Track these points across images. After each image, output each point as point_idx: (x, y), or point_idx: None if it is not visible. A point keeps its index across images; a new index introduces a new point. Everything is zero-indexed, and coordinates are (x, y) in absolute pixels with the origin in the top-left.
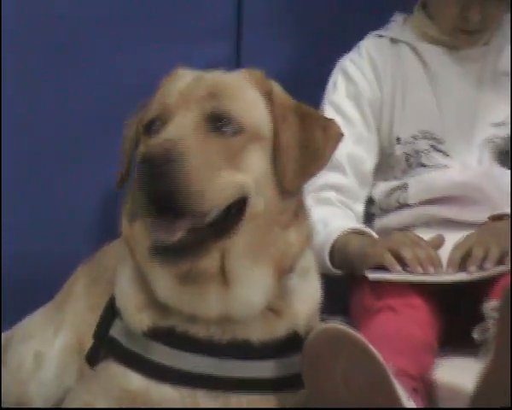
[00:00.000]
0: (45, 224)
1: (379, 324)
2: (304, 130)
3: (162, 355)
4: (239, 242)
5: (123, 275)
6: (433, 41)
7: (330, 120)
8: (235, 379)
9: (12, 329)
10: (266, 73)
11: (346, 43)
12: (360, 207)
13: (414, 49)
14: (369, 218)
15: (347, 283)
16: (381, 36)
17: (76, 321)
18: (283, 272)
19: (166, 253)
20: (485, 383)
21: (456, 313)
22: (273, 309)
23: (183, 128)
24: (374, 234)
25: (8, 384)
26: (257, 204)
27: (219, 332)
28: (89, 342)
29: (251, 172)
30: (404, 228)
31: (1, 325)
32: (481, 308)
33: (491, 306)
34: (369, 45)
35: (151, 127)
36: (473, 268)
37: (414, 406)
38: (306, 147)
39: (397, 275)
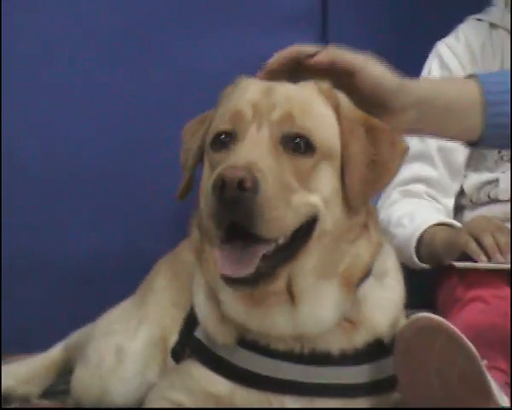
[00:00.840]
0: (120, 218)
1: (470, 315)
2: (371, 144)
3: (247, 361)
4: (307, 262)
5: (199, 289)
6: None
7: (397, 134)
8: (319, 385)
9: (92, 323)
10: None
11: (438, 27)
12: (450, 201)
13: None
14: (459, 209)
15: (435, 275)
16: (480, 20)
17: (158, 315)
18: (353, 283)
19: (238, 283)
20: None
21: None
22: (349, 320)
23: (258, 149)
24: (460, 226)
25: (88, 381)
26: (326, 224)
27: (298, 346)
28: (171, 337)
29: (321, 192)
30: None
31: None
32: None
33: None
34: (468, 30)
35: (218, 141)
36: None
37: (507, 401)
38: (374, 162)
39: (483, 264)
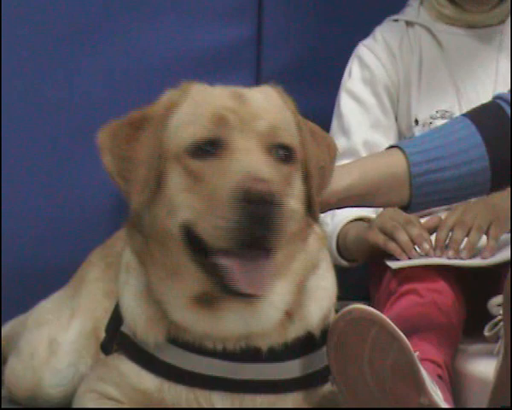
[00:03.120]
0: (57, 210)
1: (403, 308)
2: (317, 148)
3: (176, 358)
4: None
5: (127, 289)
6: (449, 21)
7: (329, 135)
8: (247, 381)
9: (25, 315)
10: (288, 55)
11: (367, 24)
12: None
13: (429, 31)
14: None
15: (368, 268)
16: (396, 20)
17: (91, 307)
18: (304, 279)
19: (247, 296)
20: (500, 380)
21: (481, 299)
22: (287, 312)
23: (258, 159)
24: (373, 217)
25: (21, 372)
26: (293, 226)
27: (231, 343)
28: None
29: (298, 197)
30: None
31: (0, 318)
32: (488, 305)
33: (496, 302)
34: (384, 30)
35: (199, 148)
36: (451, 253)
37: (439, 393)
38: (321, 166)
39: (419, 261)
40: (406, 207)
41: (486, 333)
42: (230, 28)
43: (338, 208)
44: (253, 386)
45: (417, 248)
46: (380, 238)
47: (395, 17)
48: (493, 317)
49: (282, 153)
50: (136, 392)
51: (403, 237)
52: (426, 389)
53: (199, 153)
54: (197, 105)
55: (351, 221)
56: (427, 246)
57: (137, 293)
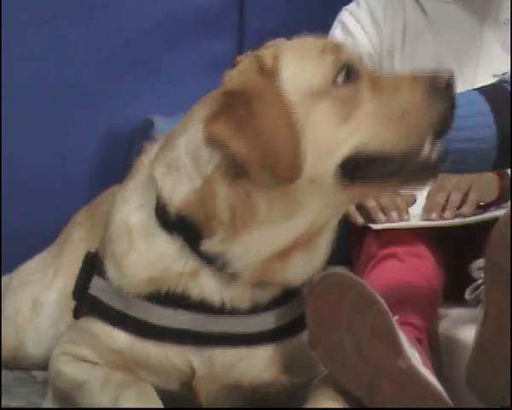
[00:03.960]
0: (47, 167)
1: (384, 271)
2: None
3: (146, 313)
4: None
5: (121, 237)
6: None
7: None
8: (219, 334)
9: (10, 274)
10: (270, 19)
11: None
12: None
13: None
14: None
15: (349, 231)
16: None
17: (74, 267)
18: None
19: None
20: (481, 343)
21: (463, 263)
22: None
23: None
24: None
25: (5, 331)
26: None
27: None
28: None
29: None
30: None
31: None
32: (469, 269)
33: (477, 265)
34: None
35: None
36: (448, 213)
37: (417, 356)
38: None
39: (400, 223)
40: None
41: (467, 297)
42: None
43: None
44: (224, 339)
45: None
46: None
47: None
48: (474, 280)
49: None
50: (111, 352)
51: (370, 203)
52: (404, 352)
53: (343, 83)
54: (303, 48)
55: None
56: (393, 215)
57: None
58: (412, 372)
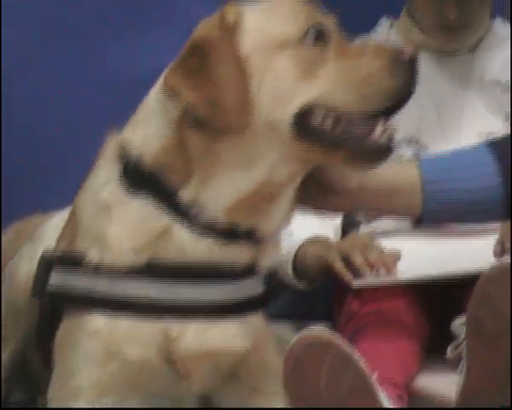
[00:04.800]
0: None
1: (365, 329)
2: None
3: (129, 287)
4: None
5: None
6: (419, 46)
7: None
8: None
9: None
10: None
11: None
12: (338, 218)
13: None
14: (354, 225)
15: (330, 287)
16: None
17: None
18: None
19: None
20: (463, 399)
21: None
22: None
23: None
24: (331, 239)
25: None
26: None
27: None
28: None
29: None
30: (392, 234)
31: None
32: (451, 326)
33: (460, 322)
34: None
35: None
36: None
37: None
38: None
39: (382, 279)
40: (420, 219)
41: (449, 353)
42: None
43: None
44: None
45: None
46: (337, 260)
47: (365, 39)
48: (456, 337)
49: None
50: (105, 343)
51: (358, 259)
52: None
53: (311, 42)
54: (275, 3)
55: (309, 241)
56: (381, 271)
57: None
58: None
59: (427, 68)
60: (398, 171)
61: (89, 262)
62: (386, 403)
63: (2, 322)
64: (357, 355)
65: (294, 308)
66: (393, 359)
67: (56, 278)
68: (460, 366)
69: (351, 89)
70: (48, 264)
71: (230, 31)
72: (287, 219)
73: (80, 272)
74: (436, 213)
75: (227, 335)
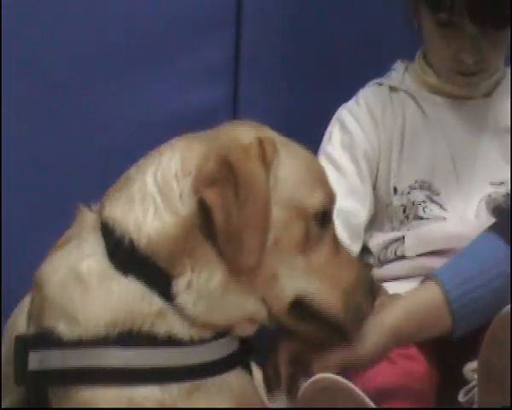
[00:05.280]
0: None
1: (375, 375)
2: None
3: (105, 358)
4: None
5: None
6: (433, 90)
7: None
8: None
9: None
10: (263, 120)
11: (347, 91)
12: None
13: (413, 98)
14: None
15: None
16: (380, 84)
17: None
18: None
19: None
20: None
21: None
22: None
23: None
24: None
25: None
26: None
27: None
28: None
29: None
30: (402, 279)
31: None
32: (463, 371)
33: (471, 367)
34: (368, 94)
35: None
36: None
37: None
38: None
39: None
40: (452, 334)
41: (461, 399)
42: (207, 90)
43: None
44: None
45: None
46: None
47: (379, 81)
48: (468, 382)
49: None
50: None
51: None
52: None
53: (319, 221)
54: (310, 169)
55: None
56: None
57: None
58: None
59: (441, 113)
60: (421, 297)
61: (58, 338)
62: None
63: (4, 373)
64: (368, 400)
65: None
66: (403, 405)
67: (35, 359)
68: None
69: (335, 294)
70: (23, 346)
71: (267, 169)
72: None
73: (53, 349)
74: (467, 324)
75: (210, 401)
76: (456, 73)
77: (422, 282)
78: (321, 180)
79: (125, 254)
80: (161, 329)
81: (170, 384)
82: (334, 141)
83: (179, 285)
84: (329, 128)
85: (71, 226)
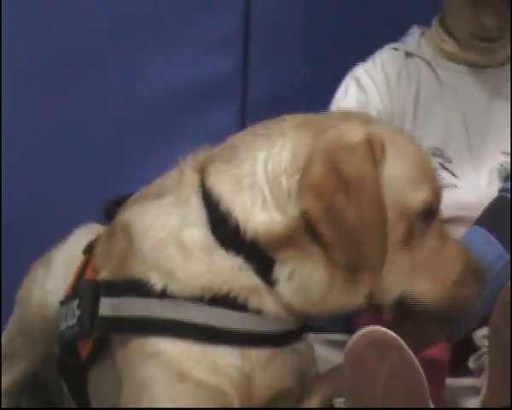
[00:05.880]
0: None
1: None
2: None
3: (198, 315)
4: None
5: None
6: (449, 57)
7: None
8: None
9: None
10: (273, 87)
11: (356, 57)
12: None
13: (429, 65)
14: None
15: None
16: (396, 49)
17: None
18: None
19: None
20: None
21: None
22: None
23: None
24: None
25: None
26: None
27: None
28: None
29: None
30: None
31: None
32: (473, 337)
33: (481, 334)
34: (384, 58)
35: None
36: None
37: None
38: None
39: None
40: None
41: (471, 365)
42: (217, 60)
43: None
44: (256, 339)
45: None
46: None
47: (395, 46)
48: (478, 349)
49: None
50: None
51: None
52: None
53: (423, 218)
54: (415, 165)
55: None
56: None
57: None
58: None
59: (456, 78)
60: None
61: (151, 288)
62: None
63: (10, 338)
64: (416, 360)
65: None
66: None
67: (109, 305)
68: (482, 377)
69: (436, 288)
70: (93, 293)
71: (376, 168)
72: None
73: (140, 297)
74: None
75: (284, 370)
76: (478, 38)
77: None
78: (427, 176)
79: (229, 234)
80: (254, 303)
81: (250, 348)
82: (349, 97)
83: (281, 272)
84: (344, 83)
85: (163, 175)
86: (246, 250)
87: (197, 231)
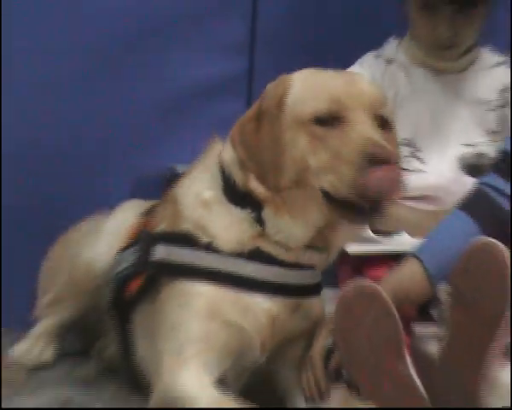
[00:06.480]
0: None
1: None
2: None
3: (236, 266)
4: None
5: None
6: (420, 64)
7: None
8: (288, 285)
9: None
10: None
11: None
12: None
13: (404, 70)
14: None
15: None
16: (378, 56)
17: None
18: None
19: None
20: (444, 361)
21: None
22: None
23: (374, 130)
24: None
25: None
26: None
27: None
28: None
29: None
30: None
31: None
32: (436, 291)
33: (444, 288)
34: (369, 62)
35: (321, 120)
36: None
37: (419, 382)
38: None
39: (375, 248)
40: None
41: (434, 315)
42: (227, 62)
43: None
44: (286, 289)
45: None
46: None
47: (377, 53)
48: (440, 301)
49: (381, 122)
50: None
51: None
52: (406, 360)
53: (321, 123)
54: (311, 86)
55: None
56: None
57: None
58: (408, 377)
59: (425, 81)
60: (405, 272)
61: (198, 241)
62: (406, 354)
63: (58, 288)
64: (396, 313)
65: None
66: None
67: (163, 251)
68: (442, 329)
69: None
70: (151, 241)
71: (282, 101)
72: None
73: (188, 248)
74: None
75: (303, 317)
76: (435, 46)
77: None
78: (317, 94)
79: (232, 191)
80: (265, 248)
81: (279, 297)
82: None
83: (265, 214)
84: None
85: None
86: (243, 201)
87: (213, 194)
